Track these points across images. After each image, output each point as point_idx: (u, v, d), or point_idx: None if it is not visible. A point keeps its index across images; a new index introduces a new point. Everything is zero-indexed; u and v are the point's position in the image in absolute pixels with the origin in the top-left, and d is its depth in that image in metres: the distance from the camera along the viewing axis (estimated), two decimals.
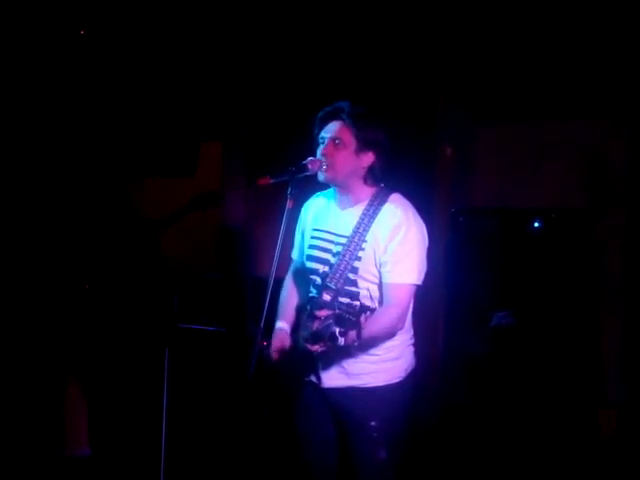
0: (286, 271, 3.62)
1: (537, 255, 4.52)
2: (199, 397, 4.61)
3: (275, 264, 3.16)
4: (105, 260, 4.96)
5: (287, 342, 3.39)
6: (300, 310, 3.43)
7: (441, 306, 4.88)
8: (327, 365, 3.32)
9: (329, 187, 3.43)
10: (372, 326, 3.04)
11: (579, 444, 4.40)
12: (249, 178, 5.59)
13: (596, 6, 4.75)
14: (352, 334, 2.94)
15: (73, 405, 5.03)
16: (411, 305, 3.32)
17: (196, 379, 4.61)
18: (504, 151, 5.15)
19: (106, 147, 5.34)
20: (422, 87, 5.20)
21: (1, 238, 4.97)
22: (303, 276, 3.49)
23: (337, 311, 2.95)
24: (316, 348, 3.04)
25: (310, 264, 3.38)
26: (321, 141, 3.31)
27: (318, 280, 3.30)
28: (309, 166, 3.25)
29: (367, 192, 3.32)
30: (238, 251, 5.57)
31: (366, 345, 3.20)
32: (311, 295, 3.34)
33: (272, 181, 3.24)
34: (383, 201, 3.28)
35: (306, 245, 3.44)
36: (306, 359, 3.32)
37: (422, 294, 3.34)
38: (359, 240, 3.24)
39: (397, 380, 3.32)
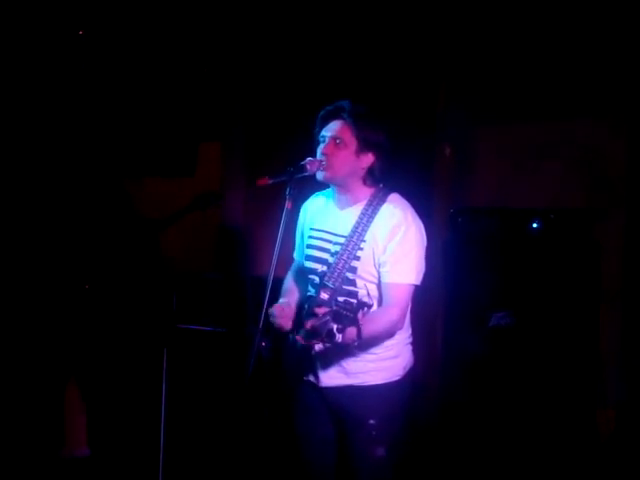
0: (286, 271, 3.62)
1: (536, 255, 4.52)
2: (198, 397, 4.61)
3: (274, 265, 3.16)
4: (105, 260, 4.96)
5: (289, 311, 3.35)
6: (299, 309, 3.43)
7: (440, 306, 4.87)
8: (326, 364, 3.32)
9: (328, 187, 3.43)
10: (371, 326, 3.05)
11: (578, 444, 4.40)
12: (249, 178, 5.59)
13: (596, 6, 4.75)
14: (350, 331, 2.94)
15: (72, 405, 5.03)
16: (410, 305, 3.31)
17: (195, 379, 4.61)
18: (504, 151, 5.15)
19: (106, 147, 5.34)
20: (422, 86, 5.20)
21: (1, 238, 4.97)
22: (303, 276, 3.49)
23: (334, 308, 2.96)
24: (313, 343, 3.04)
25: (308, 264, 3.38)
26: (321, 140, 3.31)
27: (316, 279, 3.30)
28: (308, 166, 3.25)
29: (366, 192, 3.31)
30: (237, 251, 5.58)
31: (365, 345, 3.19)
32: (309, 294, 3.34)
33: (271, 182, 3.24)
34: (382, 201, 3.28)
35: (305, 245, 3.44)
36: (304, 358, 3.32)
37: (421, 294, 3.34)
38: (357, 240, 3.24)
39: (396, 378, 3.32)
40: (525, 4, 4.94)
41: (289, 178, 3.21)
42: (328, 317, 2.95)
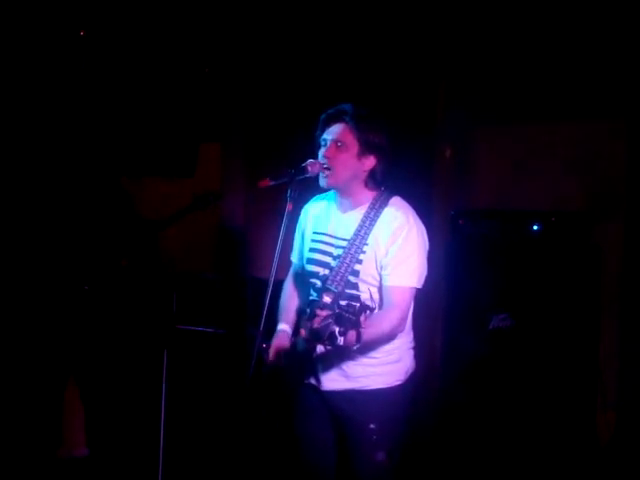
0: (286, 273, 3.61)
1: (536, 258, 4.52)
2: (198, 399, 4.61)
3: (275, 266, 3.15)
4: (104, 261, 4.95)
5: (287, 343, 3.38)
6: (300, 313, 3.43)
7: (440, 308, 4.87)
8: (327, 367, 3.32)
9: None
10: (372, 329, 3.03)
11: (577, 447, 4.40)
12: (249, 178, 5.59)
13: (596, 7, 4.75)
14: (352, 334, 2.92)
15: (71, 406, 5.03)
16: (411, 308, 3.31)
17: (195, 381, 4.61)
18: (504, 151, 5.15)
19: (105, 147, 5.33)
20: (421, 87, 5.20)
21: (1, 239, 4.97)
22: (303, 279, 3.48)
23: (337, 310, 2.95)
24: (315, 345, 3.03)
25: (310, 267, 3.38)
26: (323, 143, 3.29)
27: (318, 283, 3.30)
28: (309, 168, 3.24)
29: (368, 195, 3.30)
30: (237, 252, 5.58)
31: (366, 348, 3.19)
32: (311, 298, 3.32)
33: (272, 183, 3.23)
34: (384, 204, 3.27)
35: (306, 248, 3.43)
36: (306, 361, 3.32)
37: (421, 296, 3.34)
38: (360, 243, 3.23)
39: (397, 383, 3.32)
40: (525, 4, 4.93)
41: (290, 180, 3.20)
42: (330, 320, 2.94)
